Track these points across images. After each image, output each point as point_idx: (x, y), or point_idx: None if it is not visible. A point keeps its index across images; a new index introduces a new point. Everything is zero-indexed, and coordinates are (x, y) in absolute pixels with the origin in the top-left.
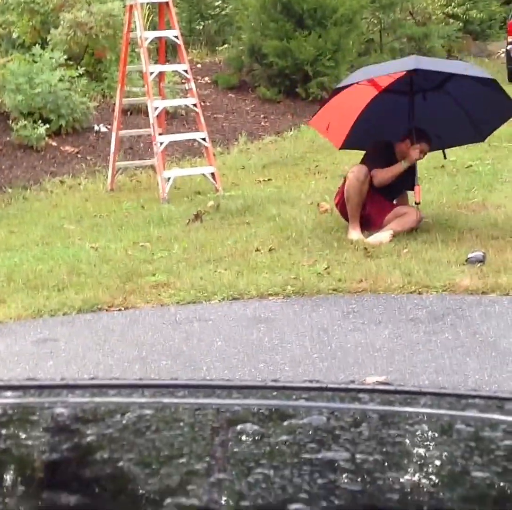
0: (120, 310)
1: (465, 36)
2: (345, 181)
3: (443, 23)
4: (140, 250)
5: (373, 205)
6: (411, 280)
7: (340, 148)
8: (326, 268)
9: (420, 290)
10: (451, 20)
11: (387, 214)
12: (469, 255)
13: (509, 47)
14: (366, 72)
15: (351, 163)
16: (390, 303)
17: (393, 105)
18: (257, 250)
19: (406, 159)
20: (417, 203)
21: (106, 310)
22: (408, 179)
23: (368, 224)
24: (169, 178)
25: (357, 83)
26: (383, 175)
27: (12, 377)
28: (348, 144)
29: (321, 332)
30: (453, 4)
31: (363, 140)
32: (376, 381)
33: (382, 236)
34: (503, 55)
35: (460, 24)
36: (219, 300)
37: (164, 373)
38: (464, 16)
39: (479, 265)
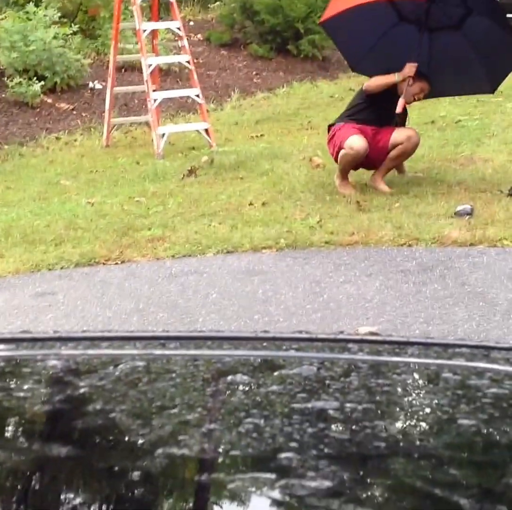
0: (116, 263)
1: None
2: (333, 135)
3: None
4: (135, 205)
5: (372, 145)
6: (402, 233)
7: (320, 23)
8: (318, 222)
9: (410, 242)
10: None
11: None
12: (458, 208)
13: None
14: None
15: None
16: (381, 256)
17: (384, 20)
18: (251, 204)
19: (399, 73)
20: (397, 114)
21: (103, 264)
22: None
23: (373, 164)
24: (163, 134)
25: None
26: (374, 80)
27: (11, 331)
28: (329, 25)
29: (313, 284)
30: None
31: (340, 34)
32: (368, 332)
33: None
34: None
35: None
36: (214, 254)
37: (161, 325)
38: None
39: (467, 217)
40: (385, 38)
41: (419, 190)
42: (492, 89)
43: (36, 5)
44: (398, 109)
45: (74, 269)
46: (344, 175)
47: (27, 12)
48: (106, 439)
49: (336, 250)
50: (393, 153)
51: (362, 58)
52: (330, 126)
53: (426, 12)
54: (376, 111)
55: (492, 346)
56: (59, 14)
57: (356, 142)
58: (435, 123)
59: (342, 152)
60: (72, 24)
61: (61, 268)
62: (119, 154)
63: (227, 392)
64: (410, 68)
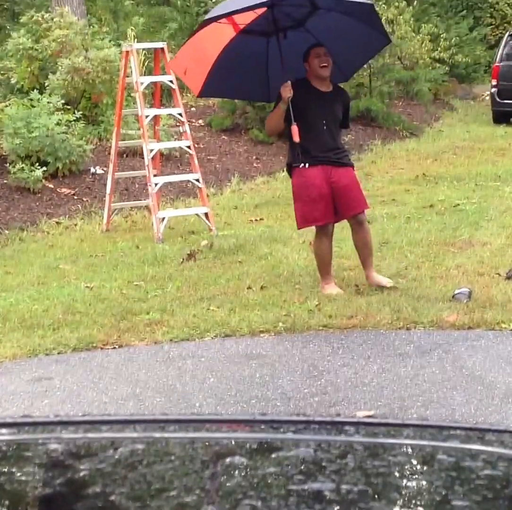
0: (114, 348)
1: (451, 79)
2: (297, 195)
3: (430, 67)
4: (134, 289)
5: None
6: (400, 317)
7: (198, 96)
8: (317, 305)
9: (408, 326)
10: (437, 64)
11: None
12: (456, 292)
13: (493, 90)
14: (224, 6)
15: None
16: (379, 339)
17: (255, 49)
18: (249, 288)
19: (282, 101)
20: (296, 143)
21: (101, 348)
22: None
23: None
24: (163, 218)
25: (216, 21)
26: (267, 125)
27: (7, 416)
28: (207, 92)
29: (311, 368)
30: (439, 49)
31: (224, 89)
32: (366, 416)
33: (385, 280)
34: (487, 97)
35: (446, 68)
36: (212, 337)
37: (158, 410)
38: (450, 61)
39: (465, 301)
40: (270, 60)
41: (417, 273)
42: (346, 78)
43: (40, 92)
44: (295, 138)
45: (72, 354)
46: (327, 270)
47: (31, 99)
48: None
49: (334, 333)
50: (360, 252)
51: (270, 86)
52: (289, 166)
53: (273, 20)
54: (314, 131)
55: (486, 428)
56: (62, 101)
57: (326, 226)
58: (433, 207)
59: (316, 242)
60: (75, 111)
61: (59, 353)
62: (119, 238)
63: (225, 475)
64: (284, 89)
